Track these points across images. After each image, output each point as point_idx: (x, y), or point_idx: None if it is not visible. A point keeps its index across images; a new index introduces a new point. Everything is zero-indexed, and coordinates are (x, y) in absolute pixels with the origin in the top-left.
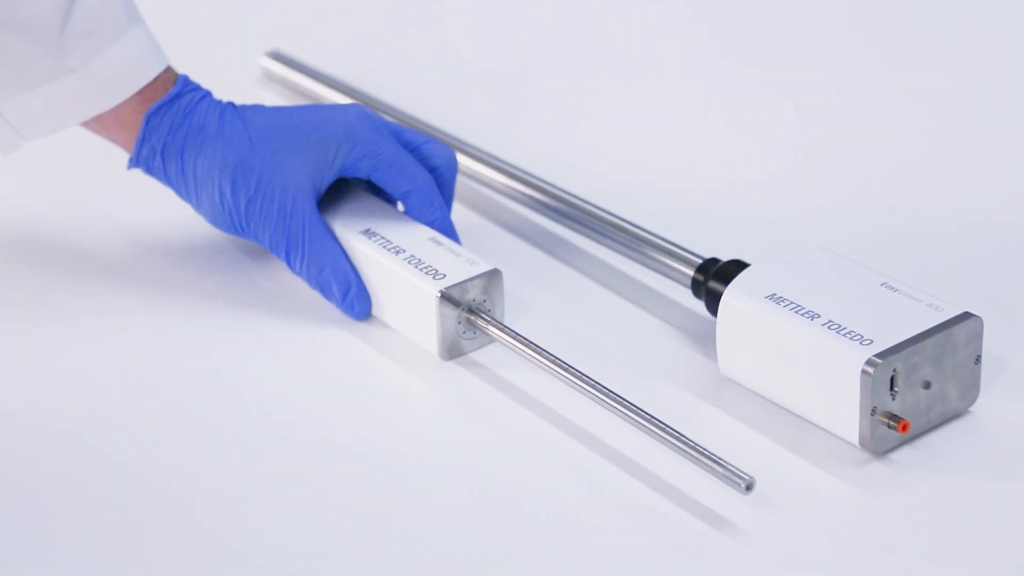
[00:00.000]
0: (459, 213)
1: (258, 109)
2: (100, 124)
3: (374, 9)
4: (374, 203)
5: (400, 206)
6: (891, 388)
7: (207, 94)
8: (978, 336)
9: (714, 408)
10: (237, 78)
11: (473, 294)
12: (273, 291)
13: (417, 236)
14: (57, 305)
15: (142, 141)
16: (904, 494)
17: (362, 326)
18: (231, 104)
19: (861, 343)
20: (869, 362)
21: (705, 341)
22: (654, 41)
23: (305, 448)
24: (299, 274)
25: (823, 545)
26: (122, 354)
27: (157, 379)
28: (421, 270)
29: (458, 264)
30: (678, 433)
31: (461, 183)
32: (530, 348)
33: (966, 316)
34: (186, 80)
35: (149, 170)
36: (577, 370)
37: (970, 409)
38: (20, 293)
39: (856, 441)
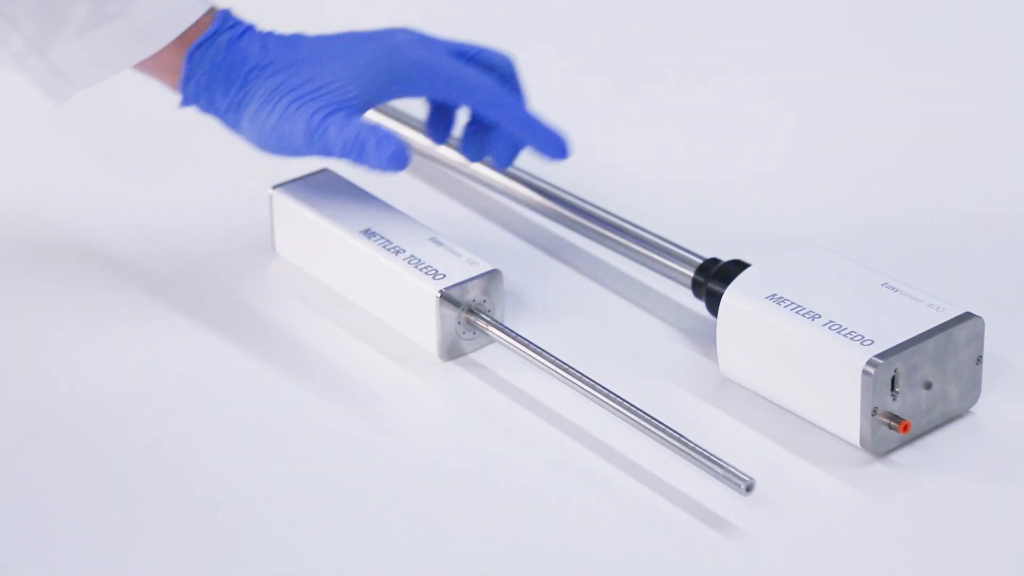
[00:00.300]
0: (459, 213)
1: (301, 38)
2: (143, 68)
3: (374, 8)
4: (374, 203)
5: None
6: (892, 388)
7: (248, 28)
8: (979, 336)
9: (714, 408)
10: None
11: (473, 294)
12: (273, 290)
13: (417, 236)
14: (58, 302)
15: (186, 82)
16: (905, 495)
17: (362, 326)
18: (272, 34)
19: (862, 343)
20: (870, 362)
21: (705, 341)
22: (652, 41)
23: (304, 447)
24: (334, 154)
25: (824, 546)
26: (120, 353)
27: (156, 377)
28: (421, 270)
29: (458, 264)
30: (678, 434)
31: (461, 183)
32: (530, 349)
33: (967, 316)
34: (226, 15)
35: (200, 108)
36: (577, 371)
37: (971, 410)
38: (21, 291)
39: (857, 442)
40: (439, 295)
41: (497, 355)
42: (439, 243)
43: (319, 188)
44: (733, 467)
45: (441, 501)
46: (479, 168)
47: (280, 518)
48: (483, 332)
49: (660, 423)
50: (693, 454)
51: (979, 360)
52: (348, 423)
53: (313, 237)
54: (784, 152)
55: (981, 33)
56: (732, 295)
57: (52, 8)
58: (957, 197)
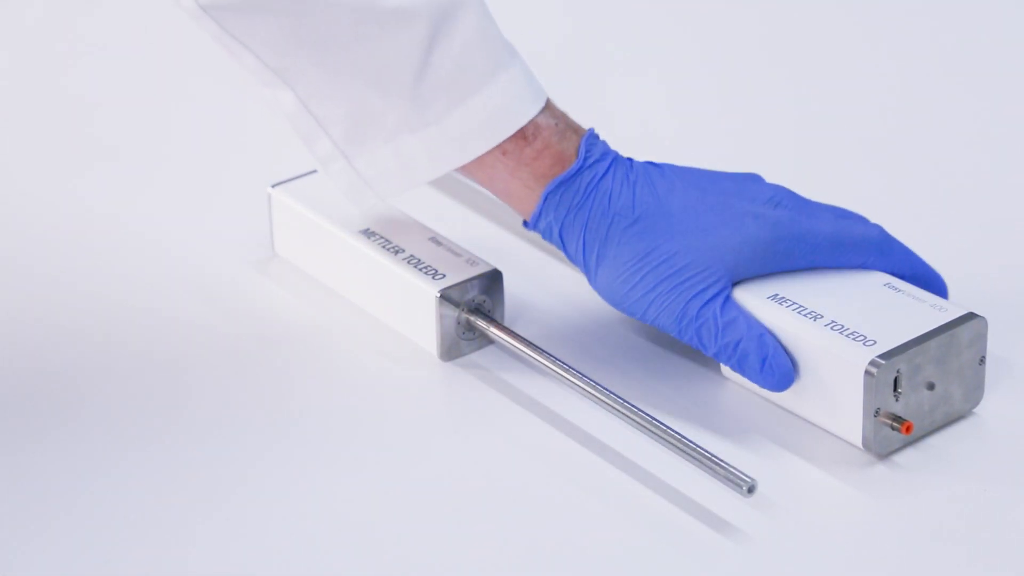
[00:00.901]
0: (460, 213)
1: (668, 184)
2: (489, 190)
3: None
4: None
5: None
6: (895, 389)
7: (613, 162)
8: (982, 337)
9: (715, 410)
10: (227, 76)
11: (473, 294)
12: (272, 290)
13: (417, 236)
14: (55, 301)
15: (538, 218)
16: (907, 496)
17: (361, 326)
18: (637, 173)
19: (864, 344)
20: (872, 363)
21: None
22: (653, 40)
23: (303, 448)
24: (708, 353)
25: (826, 548)
26: (118, 352)
27: (154, 376)
28: (420, 270)
29: (458, 264)
30: (679, 435)
31: (461, 183)
32: (530, 349)
33: (970, 317)
34: (589, 146)
35: (546, 238)
36: (577, 371)
37: (974, 411)
38: (19, 289)
39: (859, 443)
40: (439, 295)
41: (497, 355)
42: (439, 243)
43: (318, 187)
44: (735, 468)
45: (440, 502)
46: None
47: (279, 518)
48: (483, 332)
49: (661, 424)
50: (694, 455)
51: (982, 361)
52: (348, 423)
53: (312, 236)
54: (786, 153)
55: (988, 32)
56: (735, 295)
57: (365, 113)
58: (959, 197)
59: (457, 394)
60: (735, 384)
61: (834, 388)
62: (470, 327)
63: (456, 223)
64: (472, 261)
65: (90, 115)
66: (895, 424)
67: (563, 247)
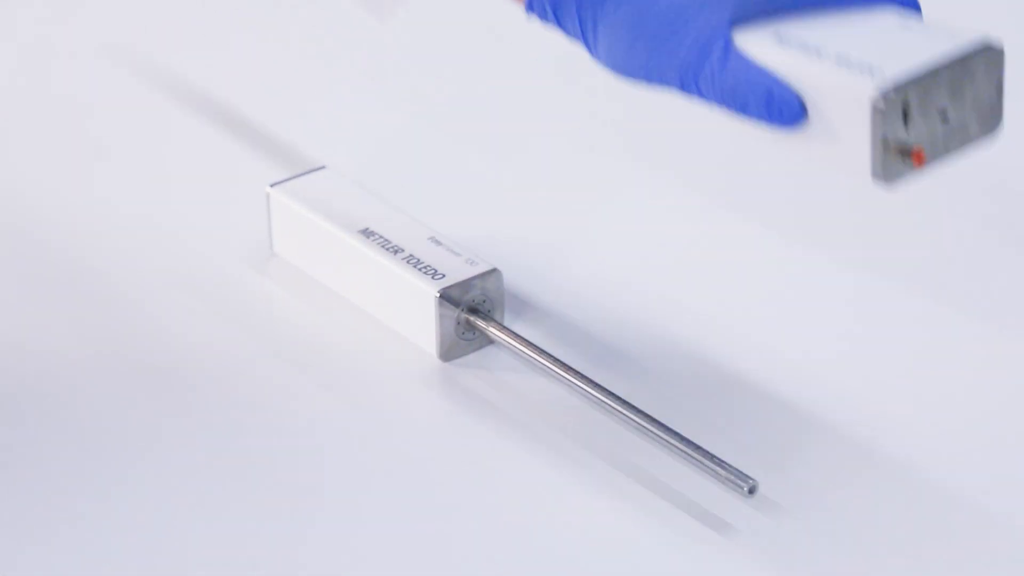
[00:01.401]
0: (459, 213)
1: None
2: None
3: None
4: (373, 201)
5: None
6: (904, 119)
7: None
8: (998, 66)
9: (716, 410)
10: (228, 77)
11: (472, 294)
12: (271, 290)
13: (416, 236)
14: (52, 302)
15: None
16: (912, 498)
17: (360, 326)
18: None
19: (872, 75)
20: (882, 92)
21: (707, 343)
22: None
23: (301, 449)
24: (711, 101)
25: (829, 549)
26: (115, 352)
27: (152, 377)
28: (420, 270)
29: (457, 264)
30: (679, 435)
31: (461, 181)
32: (530, 349)
33: (986, 48)
34: None
35: (543, 19)
36: (577, 372)
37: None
38: (17, 287)
39: (869, 175)
40: (438, 295)
41: (497, 356)
42: (438, 242)
43: (317, 186)
44: (736, 469)
45: (439, 503)
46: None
47: (277, 518)
48: (483, 332)
49: (661, 424)
50: (695, 456)
51: (999, 89)
52: (346, 424)
53: (311, 236)
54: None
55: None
56: (735, 39)
57: None
58: (960, 196)
59: (457, 394)
60: (737, 384)
61: (841, 123)
62: (470, 327)
63: (456, 223)
64: (472, 261)
65: (90, 115)
66: (905, 153)
67: (559, 25)
